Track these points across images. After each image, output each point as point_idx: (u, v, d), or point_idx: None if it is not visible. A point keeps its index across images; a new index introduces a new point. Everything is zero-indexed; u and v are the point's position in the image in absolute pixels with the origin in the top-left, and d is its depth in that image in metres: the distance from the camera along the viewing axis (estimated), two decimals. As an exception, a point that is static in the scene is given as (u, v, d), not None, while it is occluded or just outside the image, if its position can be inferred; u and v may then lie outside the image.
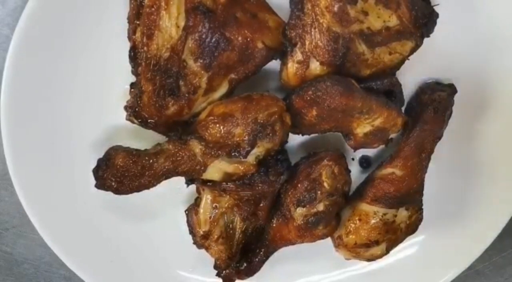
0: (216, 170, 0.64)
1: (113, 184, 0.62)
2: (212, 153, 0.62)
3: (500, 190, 0.74)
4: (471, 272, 0.84)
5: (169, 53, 0.61)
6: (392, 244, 0.70)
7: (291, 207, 0.68)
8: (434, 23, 0.65)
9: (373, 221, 0.69)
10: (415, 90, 0.71)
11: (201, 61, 0.62)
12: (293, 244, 0.71)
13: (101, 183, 0.62)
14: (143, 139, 0.69)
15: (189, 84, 0.62)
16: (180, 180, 0.67)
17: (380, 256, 0.71)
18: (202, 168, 0.63)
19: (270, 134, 0.62)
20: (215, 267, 0.70)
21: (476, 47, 0.70)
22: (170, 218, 0.74)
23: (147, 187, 0.64)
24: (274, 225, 0.70)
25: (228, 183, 0.65)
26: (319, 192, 0.67)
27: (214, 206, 0.66)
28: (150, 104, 0.63)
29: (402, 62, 0.66)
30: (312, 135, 0.71)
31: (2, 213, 0.81)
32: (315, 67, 0.63)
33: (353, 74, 0.64)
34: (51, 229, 0.71)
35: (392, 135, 0.69)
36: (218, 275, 0.70)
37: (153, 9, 0.59)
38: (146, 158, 0.62)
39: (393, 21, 0.63)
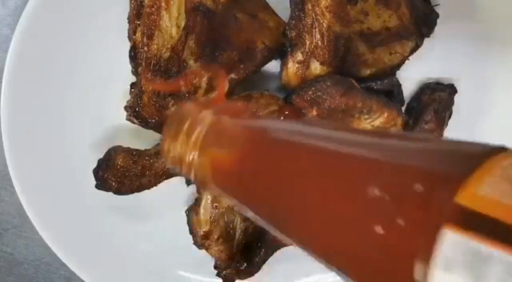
0: (216, 170, 0.63)
1: (113, 184, 0.62)
2: (213, 153, 0.62)
3: (500, 189, 0.74)
4: (471, 272, 0.84)
5: (169, 53, 0.61)
6: (392, 244, 0.70)
7: (291, 207, 0.68)
8: (434, 23, 0.65)
9: (373, 221, 0.69)
10: (415, 90, 0.71)
11: (201, 61, 0.62)
12: (293, 244, 0.71)
13: (102, 183, 0.62)
14: (143, 139, 0.69)
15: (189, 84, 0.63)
16: (180, 180, 0.67)
17: (381, 256, 0.71)
18: (203, 168, 0.63)
19: (270, 134, 0.62)
20: (215, 267, 0.70)
21: (476, 47, 0.70)
22: (170, 218, 0.74)
23: (148, 187, 0.64)
24: (274, 225, 0.70)
25: (228, 183, 0.65)
26: (319, 192, 0.66)
27: (214, 206, 0.66)
28: (150, 104, 0.63)
29: (402, 62, 0.66)
30: (312, 135, 0.71)
31: (2, 213, 0.81)
32: (315, 67, 0.63)
33: (353, 74, 0.64)
34: (51, 229, 0.71)
35: (392, 135, 0.69)
36: (218, 275, 0.70)
37: (153, 9, 0.59)
38: (147, 158, 0.62)
39: (393, 21, 0.63)
